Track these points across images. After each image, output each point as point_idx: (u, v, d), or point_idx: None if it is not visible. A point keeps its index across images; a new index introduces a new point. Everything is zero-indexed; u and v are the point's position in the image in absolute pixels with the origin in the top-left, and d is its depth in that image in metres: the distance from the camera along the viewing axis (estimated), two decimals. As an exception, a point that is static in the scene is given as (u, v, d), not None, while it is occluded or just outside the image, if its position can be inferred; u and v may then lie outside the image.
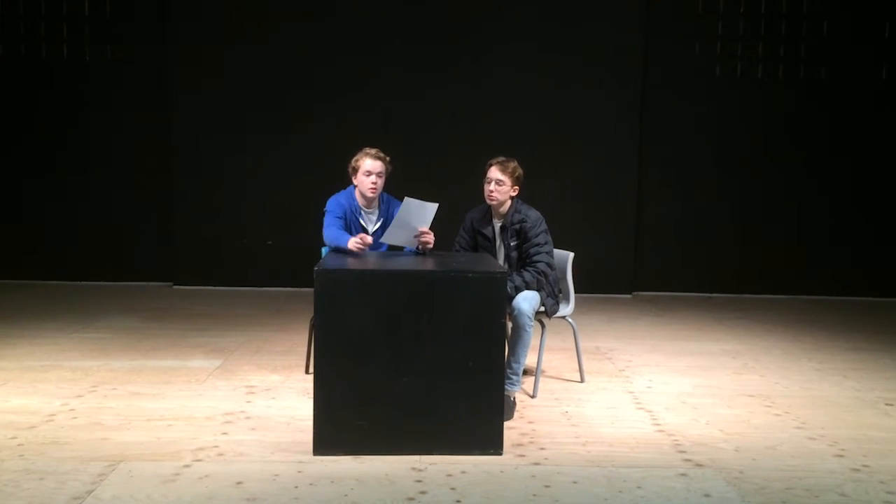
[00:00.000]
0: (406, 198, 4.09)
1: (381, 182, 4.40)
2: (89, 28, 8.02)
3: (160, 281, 8.20)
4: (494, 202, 4.36)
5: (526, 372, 4.54)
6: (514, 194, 4.37)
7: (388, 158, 4.42)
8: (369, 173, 4.35)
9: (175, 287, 8.05)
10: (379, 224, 4.44)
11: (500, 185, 4.31)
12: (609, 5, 8.01)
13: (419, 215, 4.09)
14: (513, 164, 4.34)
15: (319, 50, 7.92)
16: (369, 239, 4.15)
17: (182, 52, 7.91)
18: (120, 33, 8.04)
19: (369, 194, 4.39)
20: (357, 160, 4.39)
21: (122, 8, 8.02)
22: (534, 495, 3.06)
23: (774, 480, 3.25)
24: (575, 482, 3.19)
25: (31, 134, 8.10)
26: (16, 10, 7.99)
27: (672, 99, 8.20)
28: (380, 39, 7.94)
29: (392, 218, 4.32)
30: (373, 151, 4.39)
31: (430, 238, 4.14)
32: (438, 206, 4.11)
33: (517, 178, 4.34)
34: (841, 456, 3.56)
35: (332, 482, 3.14)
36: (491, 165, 4.35)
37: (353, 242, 4.08)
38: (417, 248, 4.18)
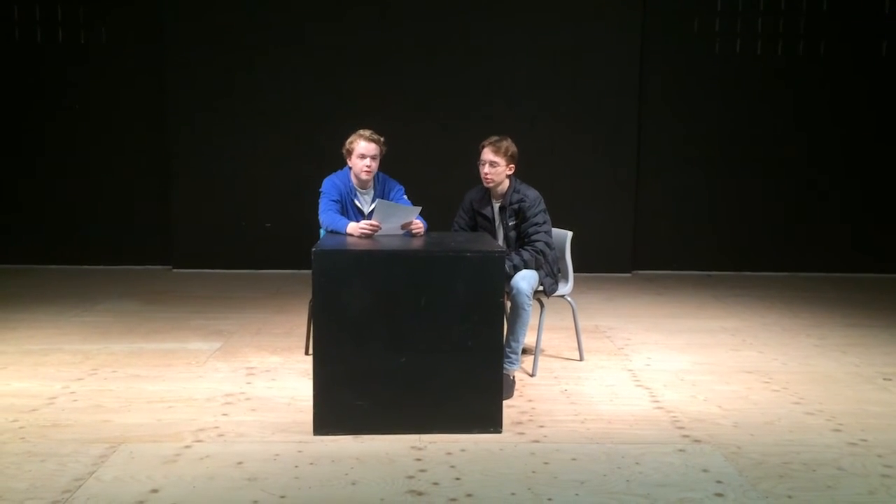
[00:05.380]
0: (379, 200, 4.11)
1: (375, 164, 4.36)
2: (84, 10, 7.96)
3: (159, 264, 8.20)
4: (491, 184, 4.35)
5: (525, 351, 4.56)
6: (509, 173, 4.35)
7: (382, 139, 4.37)
8: (363, 156, 4.31)
9: (174, 270, 8.05)
10: (375, 205, 4.42)
11: (494, 166, 4.29)
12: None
13: (399, 214, 4.08)
14: (505, 144, 4.30)
15: (316, 29, 7.87)
16: (377, 223, 4.05)
17: (178, 32, 7.85)
18: (115, 15, 7.98)
19: (363, 177, 4.37)
20: (351, 142, 4.35)
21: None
22: (533, 472, 3.08)
23: (772, 455, 3.27)
24: (574, 459, 3.21)
25: (26, 117, 8.06)
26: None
27: (671, 76, 8.16)
28: (377, 19, 7.88)
29: (387, 197, 4.33)
30: (367, 133, 4.33)
31: (419, 226, 4.12)
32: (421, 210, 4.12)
33: (511, 156, 4.31)
34: (838, 430, 3.57)
35: (332, 461, 3.16)
36: (483, 147, 4.32)
37: (358, 228, 4.02)
38: (409, 232, 4.15)
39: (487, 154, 4.29)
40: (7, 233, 8.11)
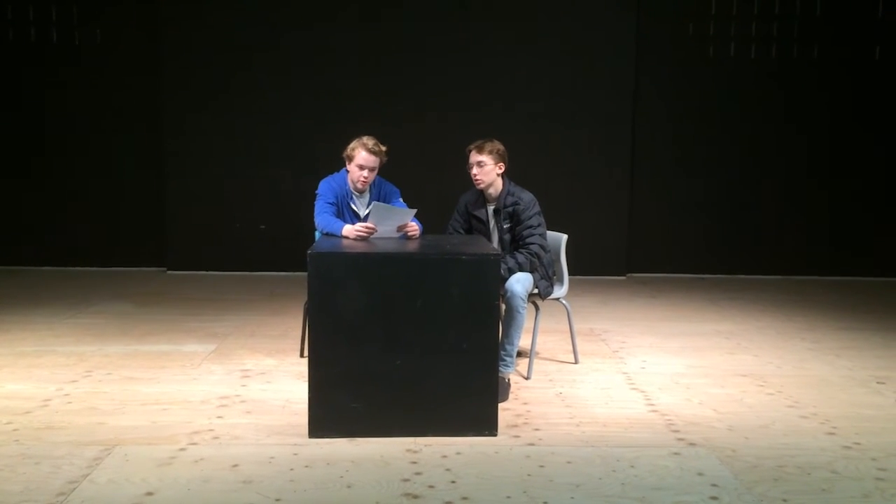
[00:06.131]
0: (375, 203, 4.09)
1: (372, 176, 4.36)
2: (78, 10, 7.94)
3: (153, 266, 8.18)
4: (482, 185, 4.36)
5: (520, 354, 4.56)
6: (500, 171, 4.35)
7: (384, 149, 4.34)
8: (362, 167, 4.30)
9: (168, 272, 8.04)
10: (370, 208, 4.41)
11: (481, 166, 4.30)
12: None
13: (395, 217, 4.08)
14: (489, 144, 4.32)
15: (313, 32, 7.87)
16: (373, 226, 4.05)
17: (173, 33, 7.84)
18: (109, 15, 7.97)
19: (360, 187, 4.37)
20: (353, 149, 4.32)
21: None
22: (528, 475, 3.08)
23: (767, 458, 3.27)
24: (569, 462, 3.21)
25: (19, 118, 8.04)
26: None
27: (666, 80, 8.18)
28: (372, 21, 7.88)
29: (383, 200, 4.32)
30: (370, 144, 4.29)
31: (415, 228, 4.13)
32: (416, 211, 4.13)
33: (497, 153, 4.32)
34: (833, 434, 3.58)
35: (327, 464, 3.15)
36: (469, 151, 4.35)
37: (354, 230, 4.02)
38: (405, 235, 4.15)
39: (473, 157, 4.32)
40: (0, 234, 8.07)
